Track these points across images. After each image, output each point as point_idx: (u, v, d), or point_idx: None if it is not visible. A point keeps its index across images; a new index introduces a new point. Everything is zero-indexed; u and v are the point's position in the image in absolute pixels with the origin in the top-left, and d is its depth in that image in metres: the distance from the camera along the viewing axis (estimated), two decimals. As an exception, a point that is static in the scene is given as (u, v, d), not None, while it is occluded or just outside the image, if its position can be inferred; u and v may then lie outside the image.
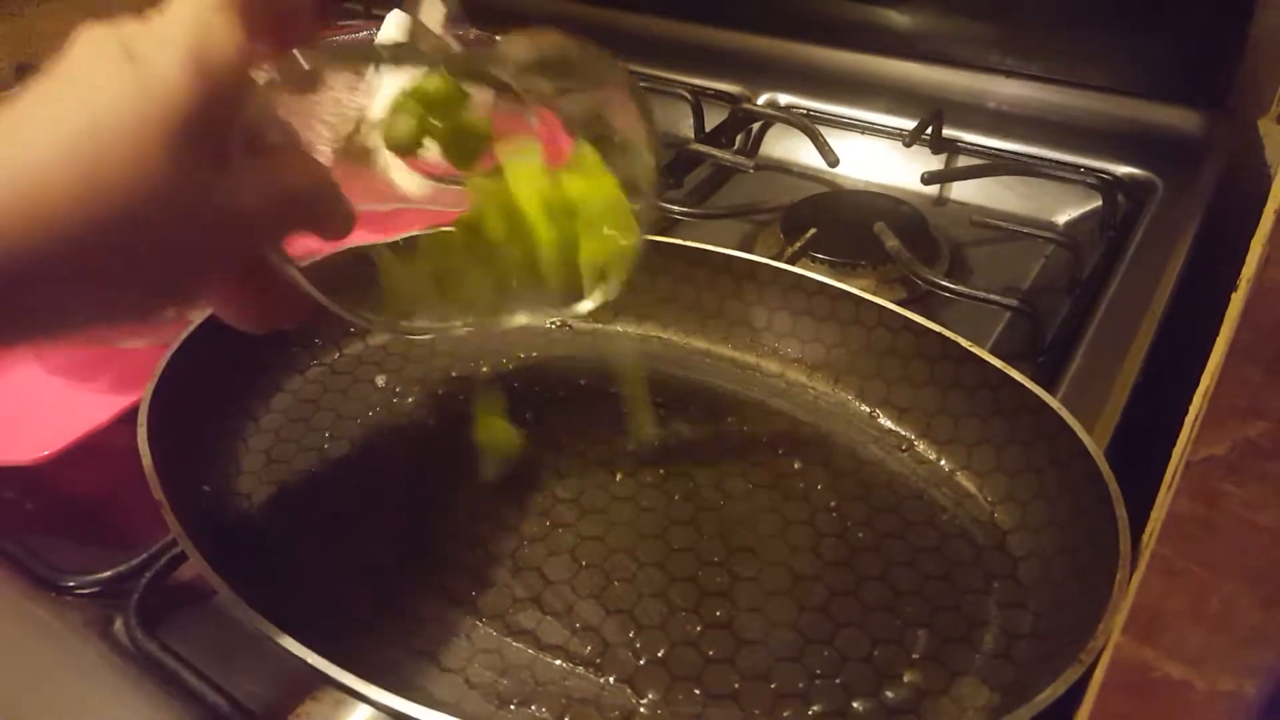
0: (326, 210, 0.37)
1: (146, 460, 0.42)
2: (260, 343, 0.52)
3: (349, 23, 0.88)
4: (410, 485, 0.47)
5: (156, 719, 0.40)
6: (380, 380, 0.53)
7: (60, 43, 0.31)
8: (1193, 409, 0.44)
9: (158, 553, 0.45)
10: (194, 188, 0.31)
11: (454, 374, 0.54)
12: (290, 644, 0.36)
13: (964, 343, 0.47)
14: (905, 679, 0.38)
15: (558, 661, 0.40)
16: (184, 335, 0.49)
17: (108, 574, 0.45)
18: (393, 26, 0.72)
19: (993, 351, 0.59)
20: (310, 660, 0.35)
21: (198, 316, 0.50)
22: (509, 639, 0.40)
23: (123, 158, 0.29)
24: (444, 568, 0.43)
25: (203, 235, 0.32)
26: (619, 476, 0.47)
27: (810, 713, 0.37)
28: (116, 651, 0.43)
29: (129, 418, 0.45)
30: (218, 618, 0.44)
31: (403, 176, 0.64)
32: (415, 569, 0.43)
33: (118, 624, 0.44)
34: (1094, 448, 0.41)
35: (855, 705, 0.38)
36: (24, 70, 0.94)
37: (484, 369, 0.54)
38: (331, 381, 0.53)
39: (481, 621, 0.41)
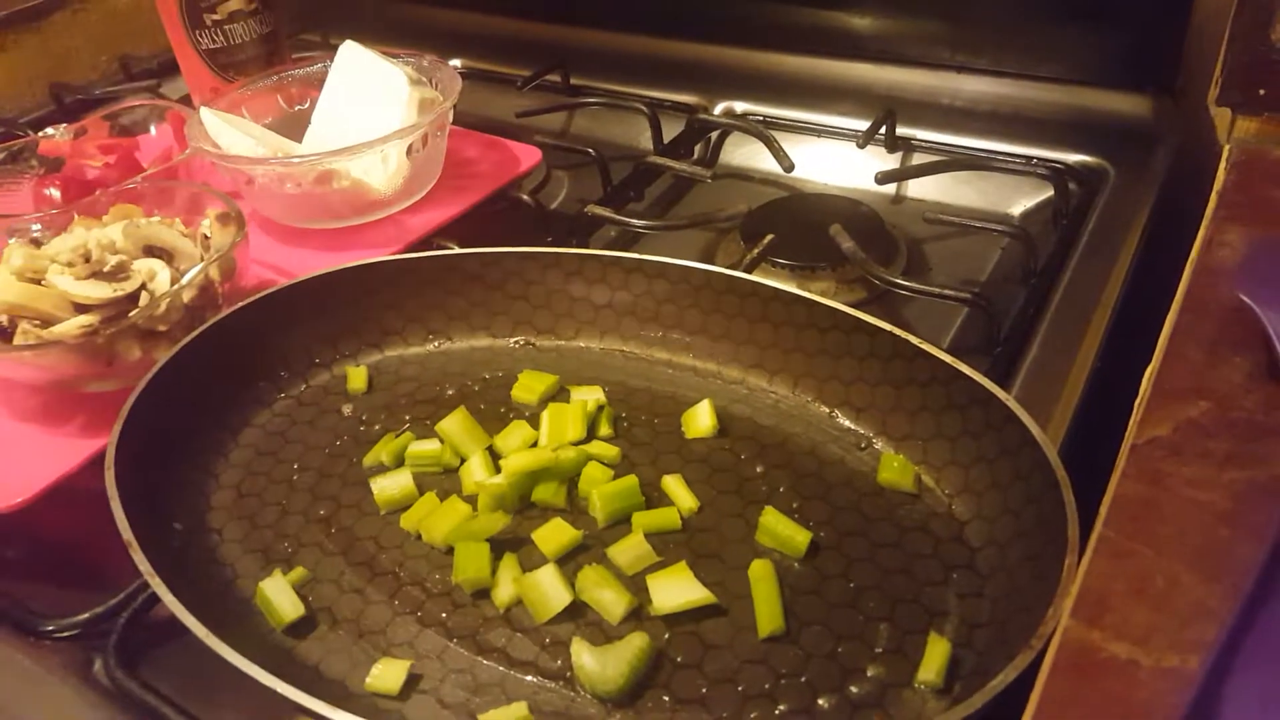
0: None
1: (115, 503, 0.42)
2: (226, 379, 0.53)
3: (306, 55, 0.89)
4: (378, 513, 0.48)
5: (140, 756, 0.40)
6: (346, 409, 0.54)
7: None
8: (1140, 391, 0.45)
9: (134, 592, 0.46)
10: None
11: (419, 398, 0.54)
12: (263, 676, 0.36)
13: (915, 340, 0.48)
14: (869, 673, 0.39)
15: (529, 677, 0.40)
16: (149, 376, 0.49)
17: (85, 616, 0.46)
18: (347, 57, 0.73)
19: (951, 346, 0.60)
20: (283, 691, 0.36)
21: (163, 357, 0.51)
22: (480, 657, 0.41)
23: None
24: (415, 591, 0.44)
25: None
26: (583, 487, 0.48)
27: (777, 712, 0.38)
28: (97, 692, 0.44)
29: (100, 460, 0.45)
30: (197, 653, 0.44)
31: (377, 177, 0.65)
32: (386, 594, 0.44)
33: (97, 665, 0.45)
34: (1041, 436, 0.42)
35: (820, 702, 0.38)
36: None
37: (449, 391, 0.54)
38: (298, 413, 0.54)
39: (453, 642, 0.42)
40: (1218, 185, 0.55)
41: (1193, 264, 0.50)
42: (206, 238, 0.59)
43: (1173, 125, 0.74)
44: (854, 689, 0.39)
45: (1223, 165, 0.57)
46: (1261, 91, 0.57)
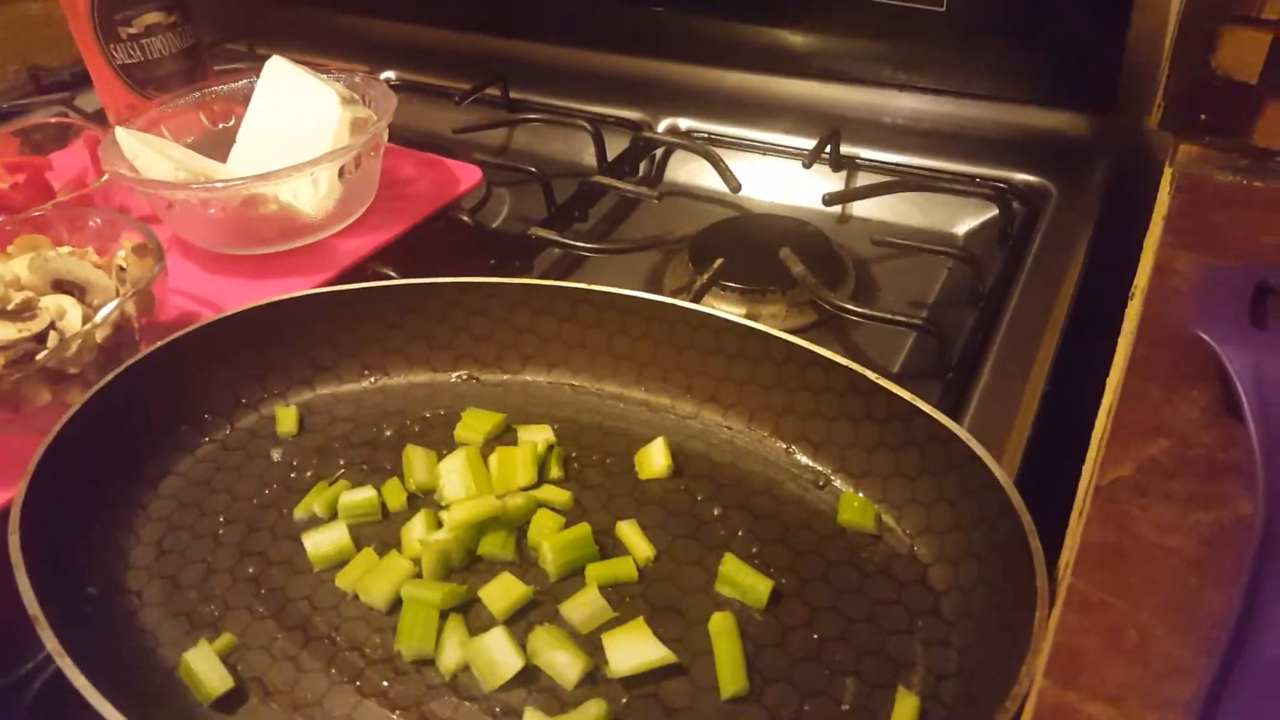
0: None
1: (20, 572, 0.39)
2: (145, 424, 0.49)
3: (230, 67, 0.85)
4: (312, 569, 0.45)
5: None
6: (276, 454, 0.51)
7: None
8: (1097, 429, 0.44)
9: (49, 658, 0.42)
10: None
11: (355, 440, 0.51)
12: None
13: (871, 375, 0.47)
14: (835, 732, 0.38)
15: (480, 750, 0.38)
16: (60, 424, 0.46)
17: (-9, 687, 0.42)
18: (275, 73, 0.69)
19: (901, 371, 0.59)
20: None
21: (75, 404, 0.47)
22: (430, 729, 0.39)
23: None
24: (353, 658, 0.41)
25: None
26: (533, 537, 0.45)
27: (742, 778, 0.37)
28: (9, 767, 0.40)
29: (3, 518, 0.42)
30: None
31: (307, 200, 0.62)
32: (322, 661, 0.41)
33: (7, 740, 0.41)
34: (1004, 478, 0.41)
35: (787, 766, 0.37)
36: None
37: (387, 432, 0.52)
38: (224, 459, 0.50)
39: (395, 714, 0.39)
40: (1163, 210, 0.55)
41: (1143, 293, 0.50)
42: (122, 269, 0.55)
43: (1111, 142, 0.75)
44: (821, 749, 0.37)
45: (1167, 190, 0.57)
46: (1203, 117, 0.58)
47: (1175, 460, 0.40)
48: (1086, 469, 0.43)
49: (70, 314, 0.50)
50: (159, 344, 0.50)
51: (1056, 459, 0.47)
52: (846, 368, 0.48)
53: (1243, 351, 0.41)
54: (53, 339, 0.50)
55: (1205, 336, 0.42)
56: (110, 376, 0.48)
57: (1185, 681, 0.32)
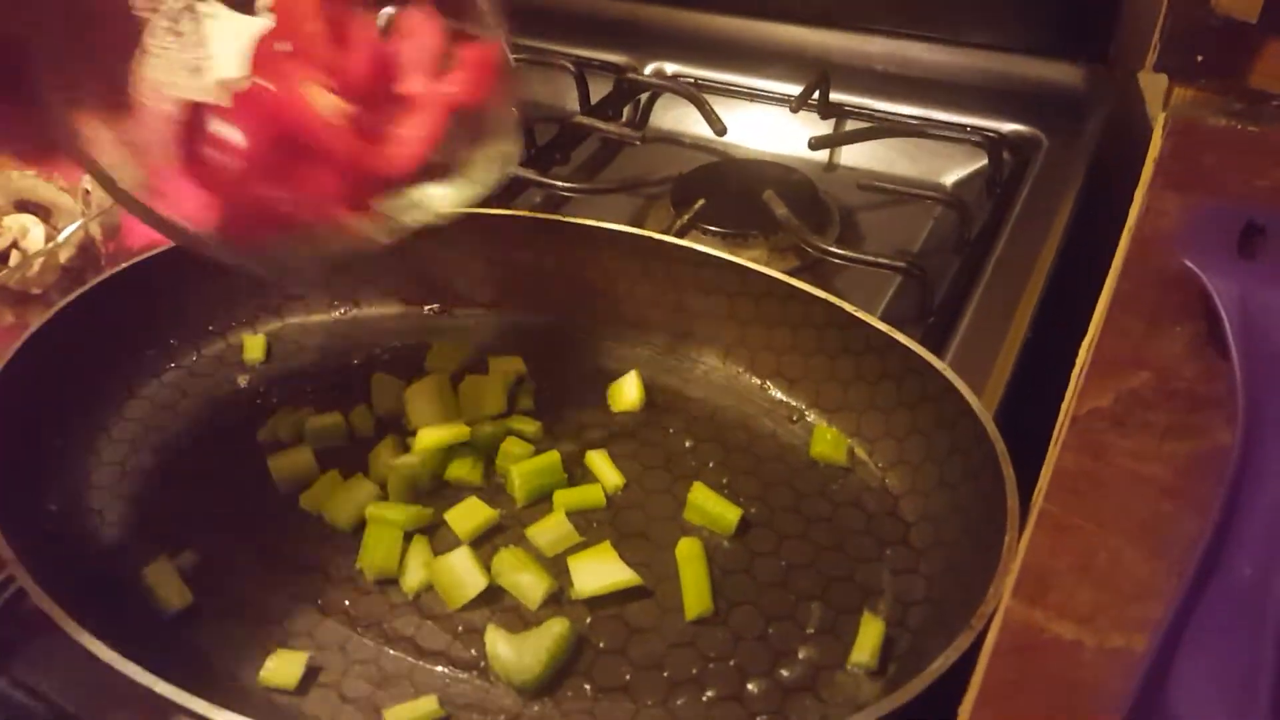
0: None
1: (-26, 484, 0.38)
2: (109, 347, 0.48)
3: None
4: (276, 492, 0.44)
5: (10, 761, 0.37)
6: (242, 380, 0.50)
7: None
8: (1078, 361, 0.44)
9: (4, 582, 0.42)
10: None
11: (323, 368, 0.50)
12: (139, 674, 0.33)
13: (848, 307, 0.46)
14: (800, 655, 0.37)
15: (439, 668, 0.37)
16: (19, 343, 0.45)
17: (-54, 609, 0.42)
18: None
19: (884, 315, 0.58)
20: (160, 690, 0.32)
21: (37, 321, 0.46)
22: (386, 648, 0.38)
23: None
24: (315, 577, 0.41)
25: None
26: (500, 463, 0.45)
27: (704, 699, 0.36)
28: (-38, 691, 0.39)
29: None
30: (74, 646, 0.40)
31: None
32: (284, 580, 0.40)
33: (-39, 662, 0.40)
34: (980, 407, 0.41)
35: (750, 687, 0.36)
36: None
37: (355, 361, 0.51)
38: (190, 385, 0.50)
39: (357, 631, 0.39)
40: (1154, 153, 0.54)
41: (1130, 232, 0.49)
42: (88, 193, 0.54)
43: (1104, 95, 0.74)
44: (785, 672, 0.37)
45: (1159, 133, 0.56)
46: (1199, 58, 0.56)
47: (1155, 392, 0.39)
48: (1065, 402, 0.42)
49: (33, 232, 0.49)
50: (123, 265, 0.49)
51: (1035, 407, 0.47)
52: (825, 301, 0.47)
53: (1229, 282, 0.40)
54: (15, 258, 0.48)
55: (1192, 266, 0.42)
56: (73, 295, 0.47)
57: (1154, 603, 0.32)
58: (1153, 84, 0.76)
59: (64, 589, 0.36)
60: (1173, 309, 0.43)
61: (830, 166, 0.73)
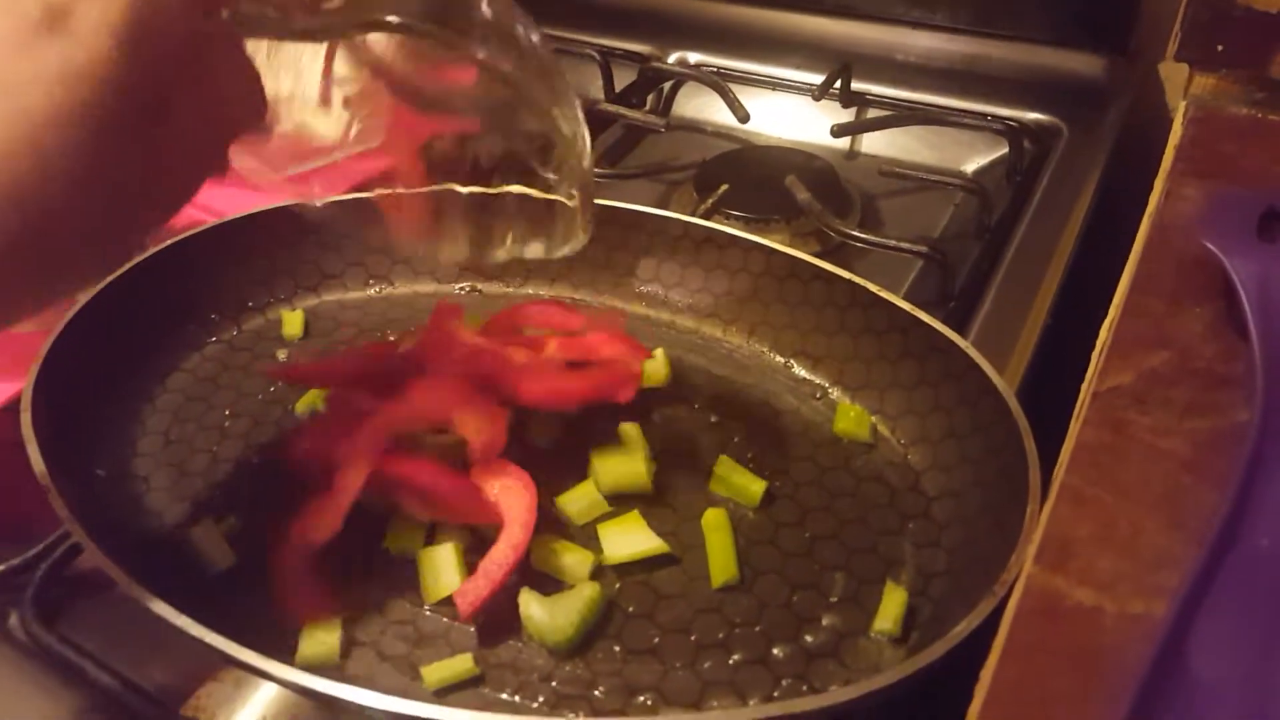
0: (257, 102, 0.34)
1: (31, 445, 0.39)
2: (152, 321, 0.50)
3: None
4: (315, 461, 0.45)
5: (58, 713, 0.38)
6: (281, 355, 0.51)
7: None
8: (1099, 341, 0.44)
9: (54, 543, 0.43)
10: (136, 148, 0.28)
11: (360, 345, 0.52)
12: (191, 626, 0.34)
13: (872, 287, 0.47)
14: (824, 622, 0.38)
15: (472, 628, 0.39)
16: (68, 317, 0.46)
17: (0, 568, 0.43)
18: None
19: (905, 299, 0.59)
20: (211, 641, 0.34)
21: (84, 297, 0.48)
22: (424, 609, 0.39)
23: (57, 148, 0.26)
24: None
25: (150, 184, 0.30)
26: (532, 431, 0.46)
27: (731, 662, 0.37)
28: (13, 647, 0.41)
29: (16, 408, 0.42)
30: (118, 606, 0.41)
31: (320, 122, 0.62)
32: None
33: (13, 619, 0.42)
34: (1002, 385, 0.41)
35: (775, 651, 0.37)
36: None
37: (390, 337, 0.52)
38: (231, 358, 0.51)
39: (394, 593, 0.40)
40: (1175, 141, 0.55)
41: (1151, 217, 0.50)
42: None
43: (1125, 86, 0.75)
44: (809, 638, 0.38)
45: (1179, 122, 0.57)
46: (1220, 48, 0.57)
47: (1175, 371, 0.40)
48: (1086, 380, 0.43)
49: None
50: (166, 243, 0.51)
51: (1057, 388, 0.48)
52: (848, 280, 0.48)
53: (1249, 262, 0.41)
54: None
55: (1212, 248, 0.42)
56: (118, 273, 0.49)
57: (1174, 571, 0.33)
58: (1173, 75, 0.77)
59: (115, 548, 0.37)
60: (1193, 291, 0.43)
61: (852, 154, 0.74)
